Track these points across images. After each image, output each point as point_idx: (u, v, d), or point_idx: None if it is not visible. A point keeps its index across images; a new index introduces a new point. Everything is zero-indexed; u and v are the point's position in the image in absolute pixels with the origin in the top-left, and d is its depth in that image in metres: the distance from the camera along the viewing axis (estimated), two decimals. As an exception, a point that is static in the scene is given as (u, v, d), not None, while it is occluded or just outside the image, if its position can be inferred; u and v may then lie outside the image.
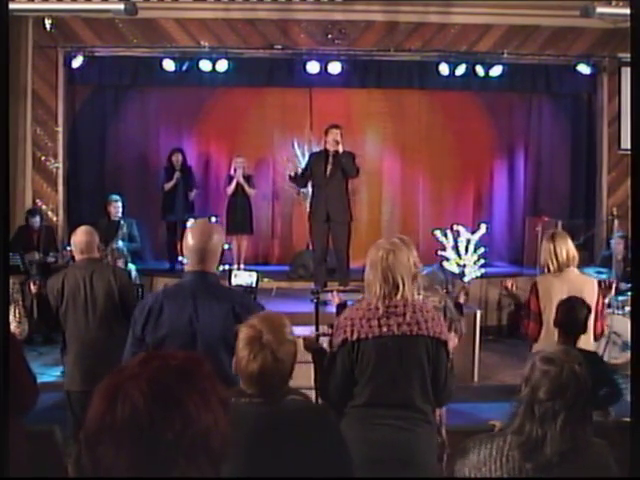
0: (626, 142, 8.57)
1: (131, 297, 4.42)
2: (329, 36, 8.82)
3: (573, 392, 1.92)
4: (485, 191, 10.13)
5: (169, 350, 1.25)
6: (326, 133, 7.20)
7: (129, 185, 9.42)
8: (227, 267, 6.93)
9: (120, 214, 7.93)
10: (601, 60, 9.05)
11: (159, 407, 1.12)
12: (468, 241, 8.24)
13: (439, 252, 8.25)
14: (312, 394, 3.21)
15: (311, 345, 3.10)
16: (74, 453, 1.19)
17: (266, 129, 9.71)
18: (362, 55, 9.01)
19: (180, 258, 7.69)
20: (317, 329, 4.53)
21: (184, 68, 8.92)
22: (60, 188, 8.95)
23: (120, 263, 6.92)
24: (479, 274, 8.29)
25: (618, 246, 7.65)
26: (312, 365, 3.06)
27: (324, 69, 8.85)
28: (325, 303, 5.46)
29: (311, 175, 7.34)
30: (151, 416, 1.11)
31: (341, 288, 6.39)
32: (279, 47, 8.81)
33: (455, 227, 8.33)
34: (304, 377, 2.84)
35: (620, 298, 6.95)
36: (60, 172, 8.92)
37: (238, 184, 8.62)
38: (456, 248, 8.24)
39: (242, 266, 8.45)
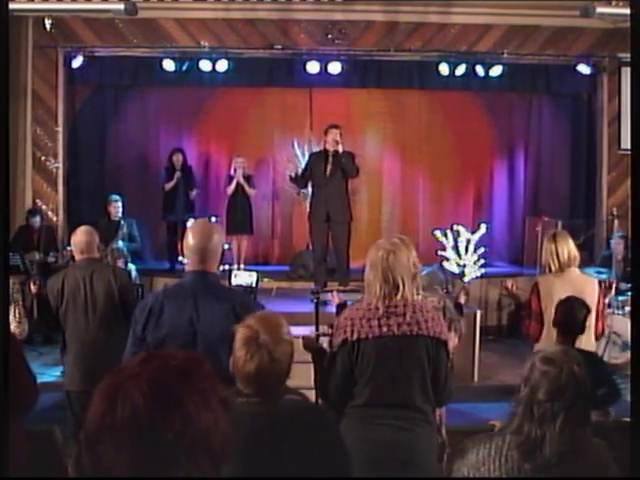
0: (626, 142, 8.57)
1: (131, 297, 4.43)
2: (329, 36, 8.82)
3: (572, 393, 1.92)
4: (485, 191, 10.12)
5: (169, 350, 1.25)
6: (326, 133, 7.21)
7: (129, 185, 9.42)
8: (227, 267, 6.93)
9: (120, 214, 7.93)
10: (601, 60, 9.04)
11: (159, 407, 1.12)
12: (468, 241, 8.24)
13: (439, 252, 8.25)
14: (312, 394, 3.21)
15: (311, 345, 3.10)
16: (74, 453, 1.19)
17: (266, 129, 9.71)
18: (362, 55, 9.01)
19: (180, 258, 7.69)
20: (317, 329, 4.54)
21: (184, 68, 8.92)
22: (60, 188, 8.95)
23: (120, 263, 6.92)
24: (479, 274, 8.28)
25: (618, 246, 7.64)
26: (312, 365, 3.06)
27: (324, 69, 8.84)
28: (325, 303, 5.46)
29: (311, 175, 7.34)
30: (151, 416, 1.11)
31: (341, 288, 6.39)
32: (279, 47, 8.80)
33: (455, 227, 8.32)
34: (304, 377, 2.84)
35: (620, 298, 6.95)
36: (60, 172, 8.92)
37: (238, 184, 8.62)
38: (456, 248, 8.23)
39: (242, 266, 8.44)
